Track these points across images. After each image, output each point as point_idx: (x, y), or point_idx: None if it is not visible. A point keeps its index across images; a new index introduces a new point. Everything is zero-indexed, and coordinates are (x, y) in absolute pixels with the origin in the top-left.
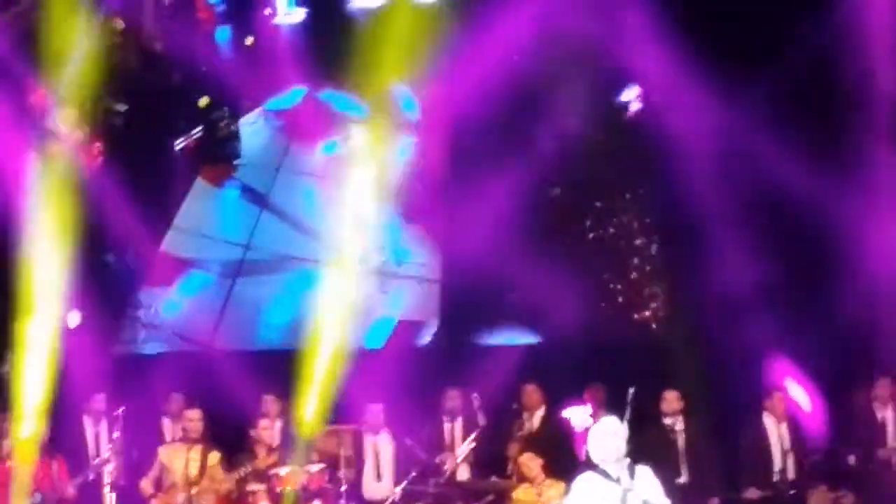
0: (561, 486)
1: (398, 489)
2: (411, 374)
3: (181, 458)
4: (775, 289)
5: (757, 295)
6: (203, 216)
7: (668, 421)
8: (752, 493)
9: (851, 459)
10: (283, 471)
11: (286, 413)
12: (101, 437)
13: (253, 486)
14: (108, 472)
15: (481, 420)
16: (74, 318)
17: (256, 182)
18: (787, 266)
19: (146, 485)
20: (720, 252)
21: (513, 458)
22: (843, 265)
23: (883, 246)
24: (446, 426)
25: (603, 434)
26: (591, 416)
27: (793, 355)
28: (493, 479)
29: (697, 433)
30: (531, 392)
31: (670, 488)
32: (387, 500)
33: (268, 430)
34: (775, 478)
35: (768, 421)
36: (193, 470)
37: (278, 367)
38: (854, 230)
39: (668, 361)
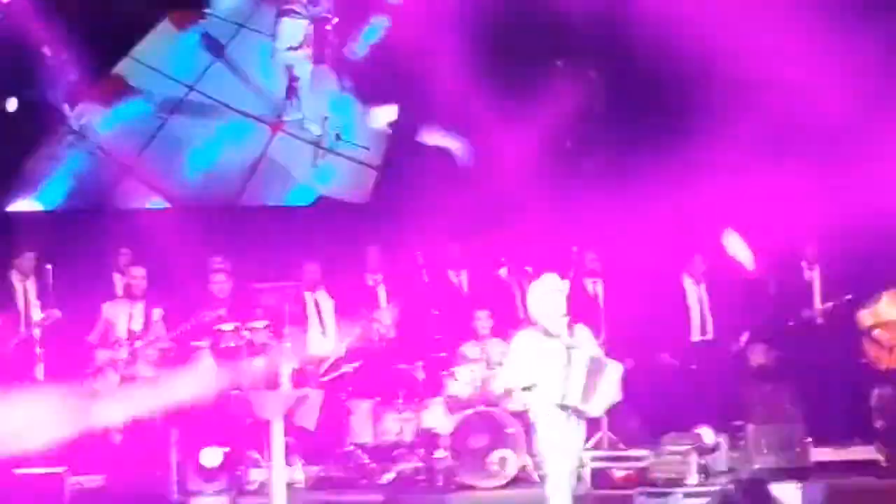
0: (502, 345)
1: (342, 345)
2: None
3: (125, 313)
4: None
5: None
6: (159, 52)
7: (587, 281)
8: (666, 357)
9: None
10: (226, 326)
11: (229, 270)
12: (29, 295)
13: (196, 342)
14: (41, 330)
15: (426, 278)
16: (13, 104)
17: (218, 33)
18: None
19: (94, 338)
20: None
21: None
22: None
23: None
24: (373, 285)
25: (545, 290)
26: (516, 275)
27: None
28: (437, 336)
29: (615, 293)
30: (455, 250)
31: None
32: (328, 356)
33: (220, 284)
34: (693, 339)
35: (688, 282)
36: (137, 326)
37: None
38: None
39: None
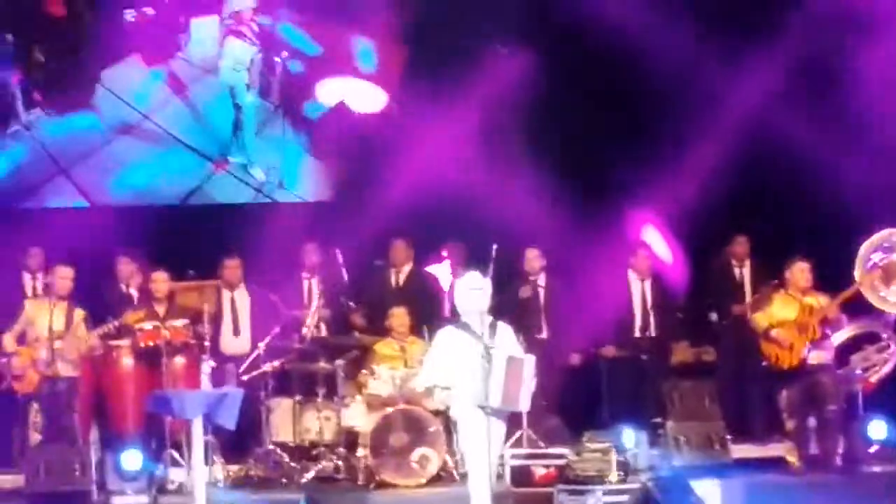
0: (423, 344)
1: (261, 345)
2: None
3: (46, 312)
4: (636, 144)
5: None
6: (123, 80)
7: (529, 279)
8: (609, 350)
9: (713, 316)
10: (146, 326)
11: (147, 270)
12: None
13: (117, 342)
14: None
15: (345, 276)
16: None
17: (184, 74)
18: (648, 120)
19: (8, 340)
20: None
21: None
22: (703, 121)
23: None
24: (306, 282)
25: (466, 289)
26: (450, 272)
27: (656, 211)
28: (356, 334)
29: (558, 290)
30: (398, 247)
31: (531, 344)
32: (245, 355)
33: (132, 286)
34: (636, 335)
35: (632, 277)
36: (58, 325)
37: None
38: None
39: (531, 220)
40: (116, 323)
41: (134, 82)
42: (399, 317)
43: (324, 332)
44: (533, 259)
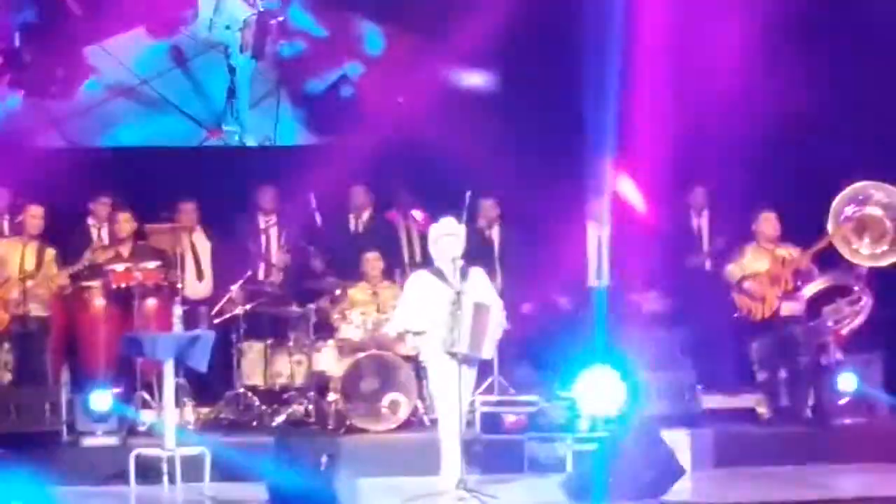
0: (395, 288)
1: (234, 288)
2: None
3: (17, 252)
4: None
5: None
6: (126, 48)
7: (483, 228)
8: (564, 301)
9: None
10: (118, 267)
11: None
12: None
13: (88, 283)
14: None
15: (319, 220)
16: None
17: (187, 48)
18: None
19: None
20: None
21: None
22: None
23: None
24: (263, 226)
25: (440, 234)
26: (419, 219)
27: (627, 160)
28: (329, 279)
29: (511, 240)
30: (358, 192)
31: None
32: (209, 299)
33: (103, 228)
34: (591, 284)
35: (590, 226)
36: (29, 265)
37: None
38: None
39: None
40: (86, 261)
41: (135, 50)
42: (372, 261)
43: (279, 278)
44: (489, 208)
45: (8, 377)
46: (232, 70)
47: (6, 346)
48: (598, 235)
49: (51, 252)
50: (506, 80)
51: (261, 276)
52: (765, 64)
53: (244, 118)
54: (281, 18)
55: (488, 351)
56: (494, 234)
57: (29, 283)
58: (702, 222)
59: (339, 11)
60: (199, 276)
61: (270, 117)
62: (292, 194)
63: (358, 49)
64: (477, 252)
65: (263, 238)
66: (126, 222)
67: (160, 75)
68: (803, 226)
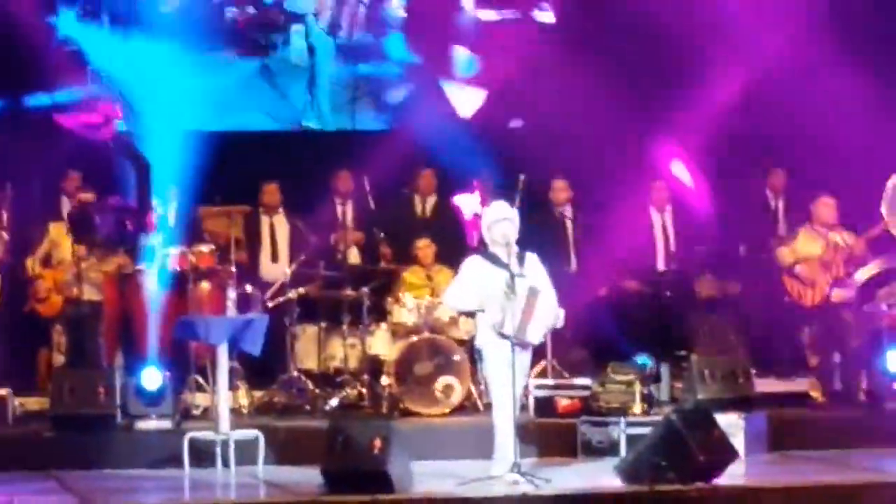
0: (449, 273)
1: (288, 271)
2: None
3: (67, 236)
4: (664, 75)
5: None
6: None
7: (557, 210)
8: (632, 284)
9: (742, 249)
10: (172, 250)
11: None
12: None
13: (141, 265)
14: None
15: (372, 204)
16: None
17: (276, 68)
18: (676, 53)
19: (32, 263)
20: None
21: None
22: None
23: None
24: (338, 209)
25: (493, 218)
26: (479, 203)
27: (682, 141)
28: (383, 263)
29: (585, 222)
30: (425, 176)
31: (559, 276)
32: (279, 280)
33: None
34: (659, 268)
35: (652, 210)
36: (81, 247)
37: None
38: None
39: (558, 150)
40: (141, 245)
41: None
42: (424, 247)
43: (356, 259)
44: (561, 189)
45: (61, 360)
46: (311, 51)
47: (59, 328)
48: (661, 219)
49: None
50: (572, 60)
51: (339, 257)
52: (829, 49)
53: (325, 111)
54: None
55: (537, 336)
56: (567, 216)
57: (83, 265)
58: (779, 204)
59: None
60: (275, 257)
61: (347, 117)
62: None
63: (449, 70)
64: (550, 234)
65: (340, 221)
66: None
67: (246, 83)
68: (858, 211)
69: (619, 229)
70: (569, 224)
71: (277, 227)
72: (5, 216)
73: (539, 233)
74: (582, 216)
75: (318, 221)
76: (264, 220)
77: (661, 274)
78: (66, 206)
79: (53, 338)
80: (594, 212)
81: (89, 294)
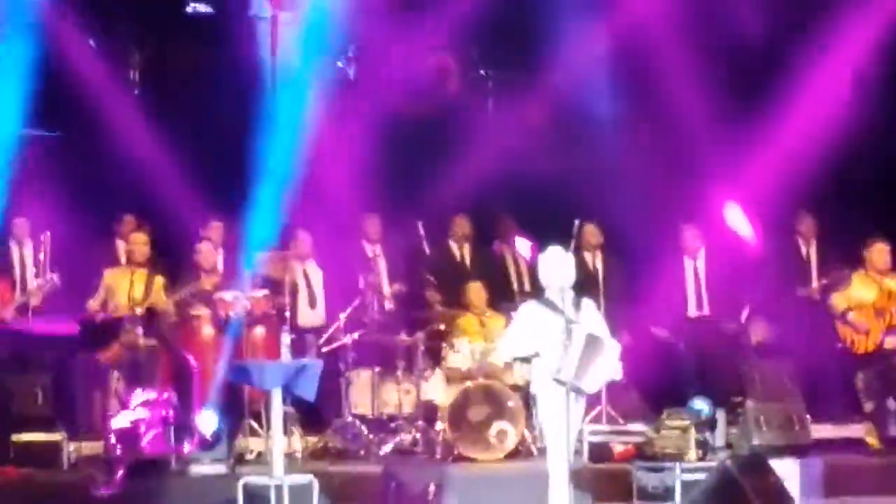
0: (502, 317)
1: (342, 316)
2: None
3: (125, 280)
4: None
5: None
6: None
7: (587, 254)
8: (660, 331)
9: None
10: (227, 296)
11: (230, 237)
12: (26, 261)
13: (197, 310)
14: (38, 295)
15: (427, 249)
16: None
17: None
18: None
19: (94, 304)
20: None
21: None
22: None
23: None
24: (370, 254)
25: (549, 263)
26: (528, 248)
27: (735, 189)
28: (438, 307)
29: (615, 267)
30: (460, 223)
31: None
32: (321, 327)
33: (205, 254)
34: (690, 315)
35: (684, 256)
36: (138, 293)
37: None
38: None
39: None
40: (192, 289)
41: None
42: (476, 291)
43: (392, 306)
44: (591, 235)
45: (117, 406)
46: None
47: (116, 374)
48: (693, 265)
49: (160, 280)
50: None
51: (374, 305)
52: (872, 92)
53: None
54: None
55: (593, 385)
56: (598, 261)
57: (137, 311)
58: (811, 251)
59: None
60: (312, 304)
61: None
62: (396, 223)
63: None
64: (581, 280)
65: (372, 267)
66: (143, 245)
67: None
68: None
69: (650, 275)
70: (599, 268)
71: (311, 273)
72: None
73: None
74: (612, 261)
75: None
76: (298, 268)
77: (692, 320)
78: (121, 249)
79: (111, 383)
80: (625, 257)
81: (145, 339)
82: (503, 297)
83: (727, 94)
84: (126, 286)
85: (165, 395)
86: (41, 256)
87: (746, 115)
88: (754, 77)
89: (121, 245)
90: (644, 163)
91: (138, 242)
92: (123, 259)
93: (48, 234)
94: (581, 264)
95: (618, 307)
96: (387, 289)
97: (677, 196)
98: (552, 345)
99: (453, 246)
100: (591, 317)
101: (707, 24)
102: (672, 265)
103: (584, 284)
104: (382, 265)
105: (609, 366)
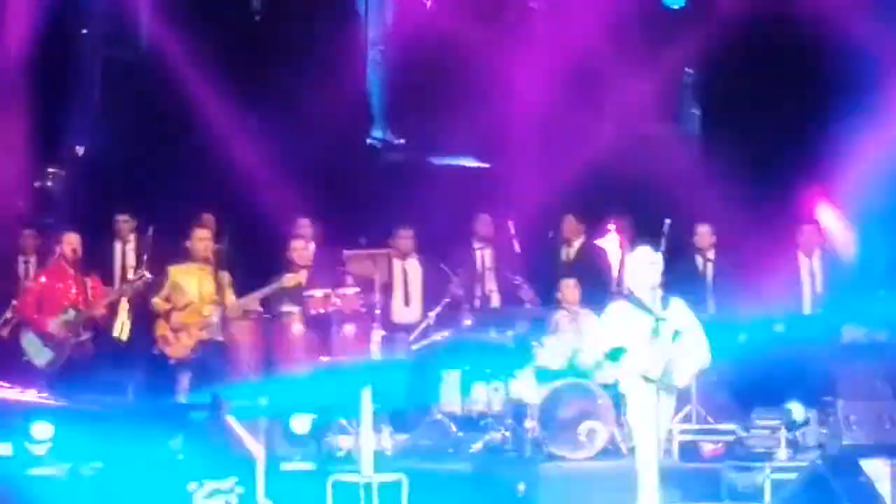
0: (594, 316)
1: (432, 314)
2: (443, 198)
3: (193, 276)
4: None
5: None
6: None
7: (698, 254)
8: (779, 327)
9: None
10: (317, 293)
11: (320, 235)
12: (127, 257)
13: (287, 308)
14: (128, 292)
15: (517, 248)
16: None
17: None
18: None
19: (159, 301)
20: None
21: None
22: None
23: None
24: (478, 253)
25: (638, 263)
26: (619, 246)
27: (830, 188)
28: (528, 305)
29: (727, 266)
30: (569, 221)
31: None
32: (416, 325)
33: (300, 251)
34: (806, 312)
35: (799, 255)
36: (208, 289)
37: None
38: None
39: (702, 195)
40: (275, 287)
41: None
42: (569, 288)
43: (495, 303)
44: (705, 234)
45: None
46: None
47: (186, 372)
48: (809, 263)
49: (225, 276)
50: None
51: (476, 303)
52: None
53: None
54: None
55: (683, 379)
56: (709, 261)
57: (206, 309)
58: None
59: None
60: (406, 301)
61: None
62: (504, 222)
63: None
64: (688, 280)
65: (479, 265)
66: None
67: None
68: None
69: (763, 273)
70: (709, 268)
71: (410, 271)
72: (145, 258)
73: (676, 277)
74: (726, 260)
75: (454, 265)
76: (397, 265)
77: (806, 319)
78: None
79: (181, 381)
80: (738, 256)
81: (215, 336)
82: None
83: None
84: (195, 282)
85: None
86: (143, 255)
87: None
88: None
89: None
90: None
91: (203, 238)
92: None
93: (152, 230)
94: (690, 264)
95: (729, 306)
96: (491, 286)
97: (777, 197)
98: (640, 342)
99: (562, 245)
100: (681, 313)
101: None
102: (787, 264)
103: (693, 282)
104: (489, 262)
105: (697, 357)
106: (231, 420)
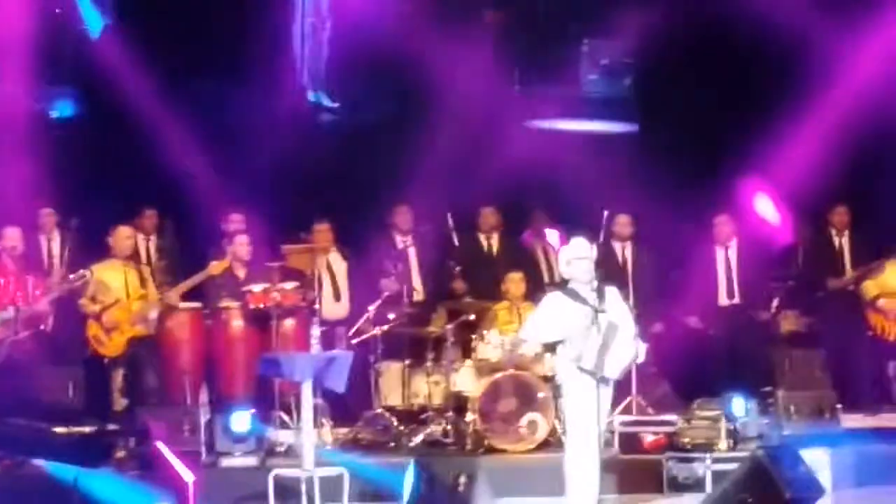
0: (535, 307)
1: (371, 308)
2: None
3: (118, 273)
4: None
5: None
6: None
7: (616, 245)
8: (694, 321)
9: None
10: (255, 288)
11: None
12: (53, 253)
13: (226, 303)
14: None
15: (456, 240)
16: None
17: None
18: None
19: (87, 302)
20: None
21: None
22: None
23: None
24: (401, 245)
25: (574, 255)
26: (542, 238)
27: (766, 179)
28: (469, 299)
29: (646, 258)
30: (487, 214)
31: None
32: (345, 319)
33: (245, 245)
34: (721, 303)
35: (715, 246)
36: (134, 284)
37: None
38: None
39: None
40: (200, 278)
41: None
42: (515, 282)
43: (422, 298)
44: (623, 225)
45: (122, 401)
46: None
47: (121, 371)
48: (724, 254)
49: (147, 269)
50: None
51: (404, 296)
52: None
53: None
54: None
55: (615, 371)
56: (628, 251)
57: (134, 305)
58: (843, 242)
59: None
60: (337, 296)
61: None
62: (425, 214)
63: None
64: (609, 270)
65: (402, 258)
66: (127, 238)
67: None
68: None
69: (680, 265)
70: (629, 259)
71: (335, 265)
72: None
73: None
74: (643, 251)
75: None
76: (321, 260)
77: (722, 309)
78: (142, 245)
79: (115, 379)
80: (656, 247)
81: (142, 331)
82: (535, 289)
83: (759, 83)
84: (120, 279)
85: None
86: (66, 250)
87: (779, 104)
88: (787, 65)
89: (141, 239)
90: (674, 154)
91: (126, 236)
92: (143, 254)
93: (75, 221)
94: (610, 254)
95: (648, 297)
96: (417, 280)
97: (711, 186)
98: (576, 334)
99: (481, 237)
100: (615, 304)
101: (737, 11)
102: (703, 255)
103: (614, 274)
104: (413, 255)
105: (628, 349)
106: (160, 446)
